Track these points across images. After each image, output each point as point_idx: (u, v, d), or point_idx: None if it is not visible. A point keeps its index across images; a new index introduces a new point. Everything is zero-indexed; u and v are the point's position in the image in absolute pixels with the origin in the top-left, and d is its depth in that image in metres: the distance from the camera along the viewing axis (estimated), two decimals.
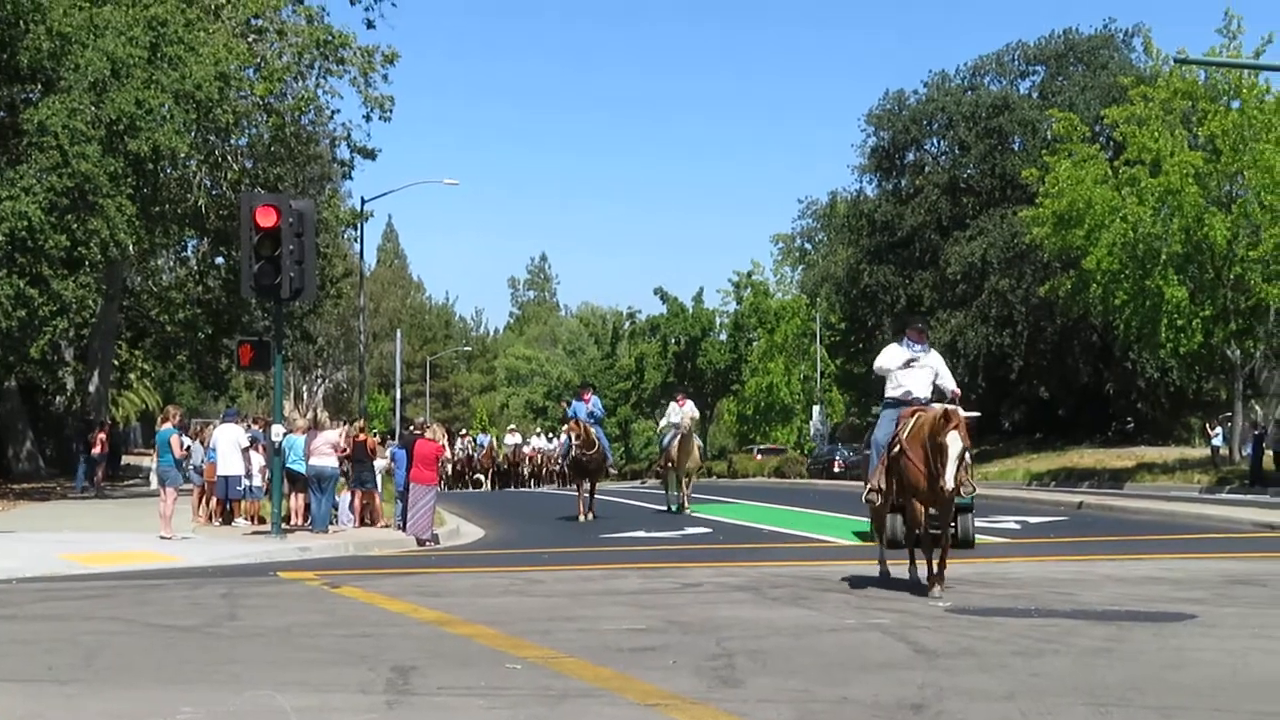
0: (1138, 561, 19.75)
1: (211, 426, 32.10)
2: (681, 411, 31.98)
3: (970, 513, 21.93)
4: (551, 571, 18.71)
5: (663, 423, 33.87)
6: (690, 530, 26.26)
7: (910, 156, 69.89)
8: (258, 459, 26.39)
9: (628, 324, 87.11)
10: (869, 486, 16.20)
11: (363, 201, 51.40)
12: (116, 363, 52.23)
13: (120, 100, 33.37)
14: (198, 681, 10.28)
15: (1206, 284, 44.58)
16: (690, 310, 78.57)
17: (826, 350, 75.34)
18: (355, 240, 58.30)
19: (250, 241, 22.56)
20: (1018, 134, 64.04)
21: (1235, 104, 44.39)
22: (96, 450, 38.82)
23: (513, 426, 68.72)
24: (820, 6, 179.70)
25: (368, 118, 46.65)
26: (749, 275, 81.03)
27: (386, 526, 26.18)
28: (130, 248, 37.02)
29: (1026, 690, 9.94)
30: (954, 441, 14.62)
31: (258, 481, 26.41)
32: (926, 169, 68.55)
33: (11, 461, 46.16)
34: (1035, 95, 65.85)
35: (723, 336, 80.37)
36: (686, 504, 31.95)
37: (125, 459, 52.85)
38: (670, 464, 32.07)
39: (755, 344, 78.87)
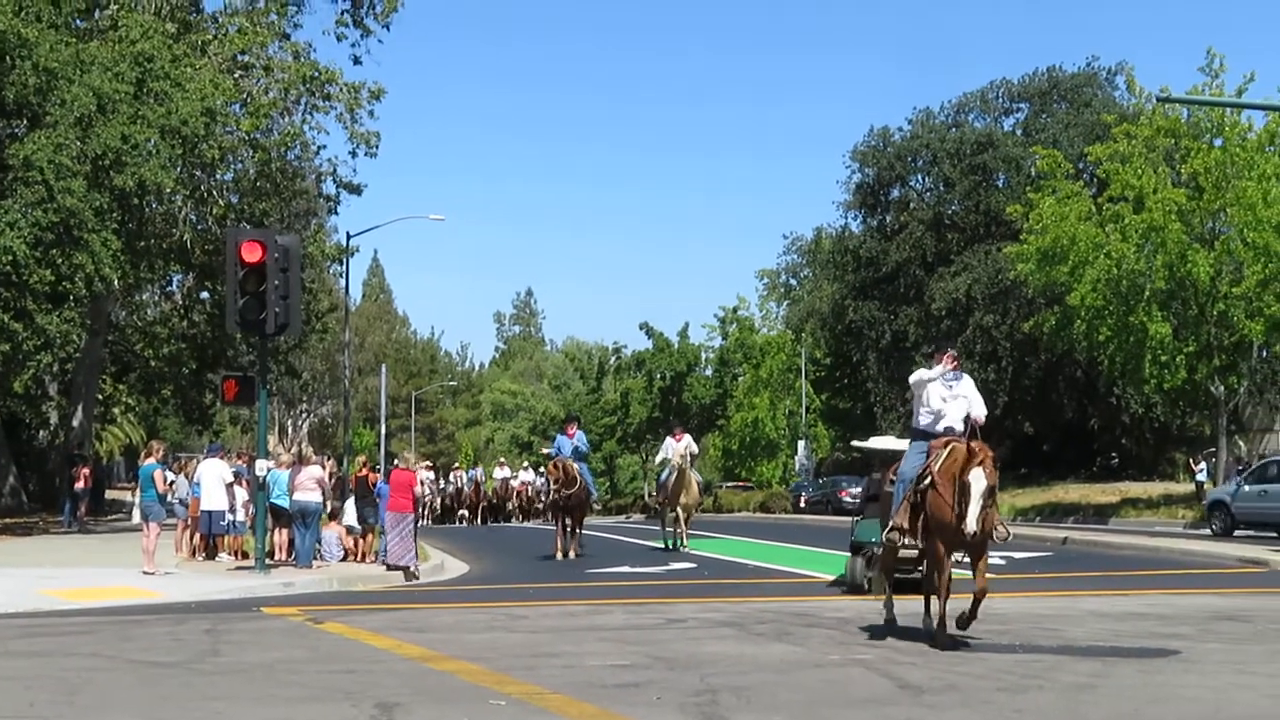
0: (1122, 597, 19.78)
1: (195, 461, 32.04)
2: (677, 447, 30.97)
3: None
4: (536, 607, 18.68)
5: (659, 457, 33.05)
6: (675, 565, 26.23)
7: (895, 193, 70.11)
8: (241, 494, 26.31)
9: (613, 359, 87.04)
10: (890, 525, 14.79)
11: (348, 237, 51.42)
12: (100, 397, 52.10)
13: (106, 135, 33.39)
14: (180, 718, 10.25)
15: (1190, 320, 44.70)
16: (676, 345, 78.53)
17: (811, 385, 75.39)
18: (341, 275, 58.35)
19: (235, 276, 22.55)
20: (1002, 171, 64.28)
21: (1218, 142, 44.58)
22: (80, 485, 38.67)
23: (501, 460, 68.59)
24: (806, 43, 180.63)
25: (354, 153, 46.78)
26: (734, 310, 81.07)
27: (373, 562, 26.14)
28: (115, 282, 36.97)
29: None
30: (977, 479, 13.44)
31: (241, 516, 26.33)
32: (911, 205, 68.75)
33: None
34: (1019, 132, 66.12)
35: (708, 372, 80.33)
36: (684, 541, 31.07)
37: (109, 494, 52.66)
38: (666, 500, 31.18)
39: (740, 379, 78.85)
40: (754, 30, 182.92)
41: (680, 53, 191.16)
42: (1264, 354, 48.61)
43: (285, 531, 25.54)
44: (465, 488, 57.90)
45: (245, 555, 25.60)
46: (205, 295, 47.67)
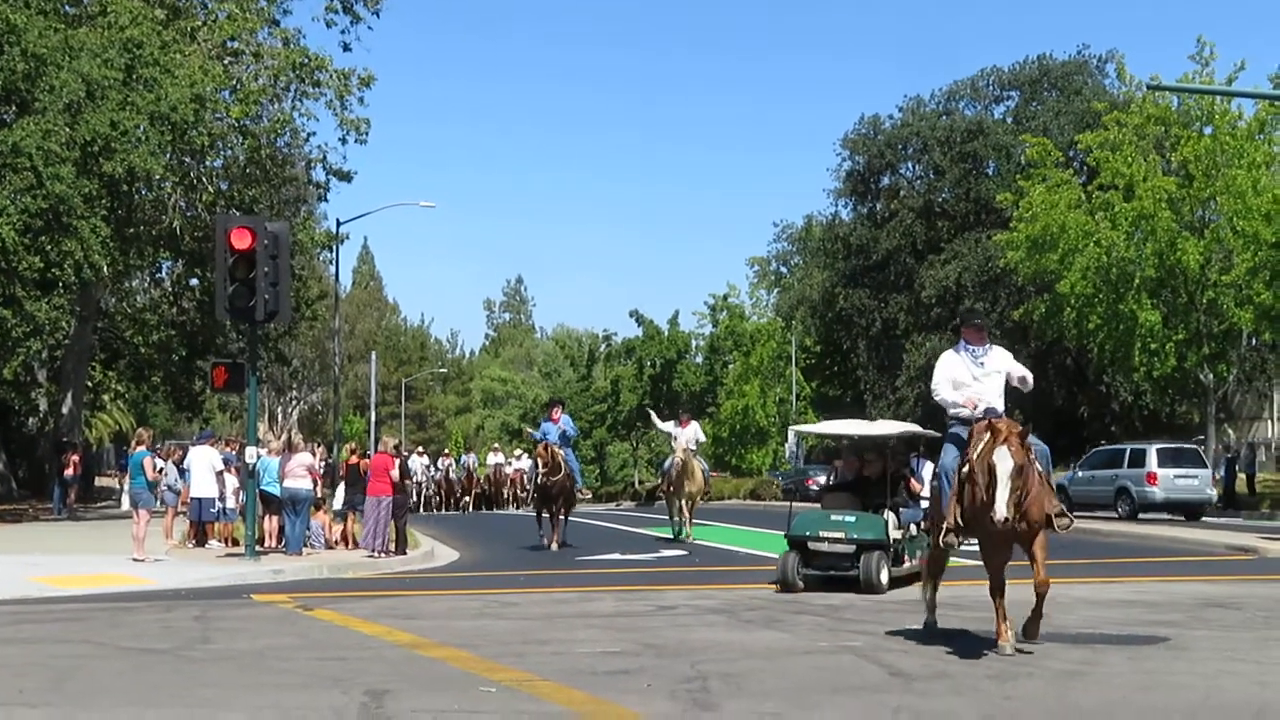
0: (1111, 584, 19.84)
1: (182, 449, 32.05)
2: (683, 434, 30.06)
3: (881, 551, 18.75)
4: (526, 594, 18.69)
5: (665, 429, 32.01)
6: (665, 553, 26.26)
7: (885, 180, 70.17)
8: (231, 481, 26.31)
9: (603, 346, 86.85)
10: (944, 527, 13.20)
11: (338, 224, 51.32)
12: (90, 384, 51.99)
13: (95, 122, 33.31)
14: (170, 705, 10.24)
15: (1180, 308, 44.81)
16: (666, 333, 78.42)
17: (802, 373, 75.35)
18: (330, 262, 58.33)
19: (225, 263, 22.53)
20: (992, 159, 64.36)
21: (1208, 130, 44.68)
22: (69, 472, 38.63)
23: (496, 446, 68.45)
24: (796, 31, 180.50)
25: (344, 140, 46.67)
26: (724, 298, 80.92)
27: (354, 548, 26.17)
28: (104, 269, 36.90)
29: (1000, 713, 9.96)
30: (1002, 459, 12.16)
31: (231, 504, 26.33)
32: (901, 193, 68.81)
33: None
34: (1009, 120, 66.21)
35: (698, 359, 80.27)
36: (688, 530, 30.08)
37: (99, 480, 52.58)
38: (671, 489, 30.23)
39: (731, 367, 78.80)
40: (745, 21, 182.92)
41: (671, 42, 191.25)
42: (1253, 342, 48.78)
43: (275, 518, 25.54)
44: (458, 476, 57.52)
45: (235, 542, 25.61)
46: (195, 282, 47.56)
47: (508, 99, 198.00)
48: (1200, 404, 49.82)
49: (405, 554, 25.25)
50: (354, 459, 27.31)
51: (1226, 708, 10.33)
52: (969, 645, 13.09)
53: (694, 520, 30.64)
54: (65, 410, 45.57)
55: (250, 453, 23.88)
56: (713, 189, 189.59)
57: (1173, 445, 41.43)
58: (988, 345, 13.68)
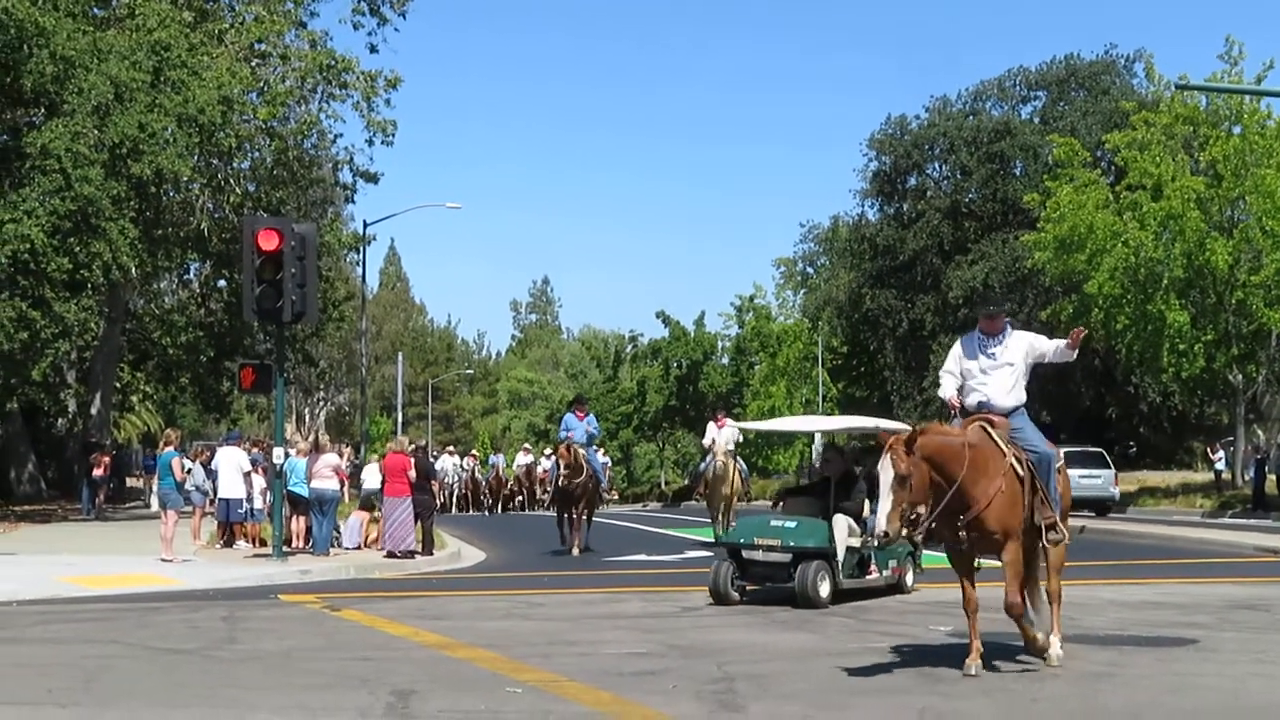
0: (1139, 586, 19.75)
1: (209, 450, 32.19)
2: (721, 435, 28.31)
3: (821, 561, 16.96)
4: (552, 595, 18.70)
5: (705, 441, 30.11)
6: (691, 554, 26.21)
7: (912, 181, 70.03)
8: (259, 481, 26.38)
9: (630, 347, 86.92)
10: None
11: (365, 225, 51.54)
12: (118, 385, 52.22)
13: (123, 124, 33.45)
14: (197, 705, 10.28)
15: (1208, 309, 44.60)
16: (692, 334, 78.41)
17: (828, 374, 75.22)
18: (357, 263, 58.60)
19: (252, 265, 22.57)
20: (1019, 159, 64.17)
21: (1236, 129, 44.44)
22: (98, 473, 38.79)
23: (526, 446, 68.39)
24: (823, 30, 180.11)
25: (370, 142, 46.74)
26: (751, 299, 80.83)
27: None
28: (132, 270, 37.04)
29: (1027, 715, 9.94)
30: (884, 469, 11.24)
31: (259, 504, 26.41)
32: (928, 193, 68.68)
33: (13, 484, 46.10)
34: (1037, 120, 66.01)
35: (725, 360, 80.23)
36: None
37: (130, 481, 52.78)
38: (706, 491, 28.49)
39: (757, 368, 78.71)
40: (772, 19, 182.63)
41: (696, 42, 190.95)
42: None
43: (303, 519, 25.60)
44: (485, 477, 57.18)
45: (262, 543, 25.67)
46: (222, 283, 47.74)
47: (534, 99, 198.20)
48: (1229, 405, 49.56)
49: (432, 554, 25.26)
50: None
51: (1256, 709, 10.29)
52: (996, 647, 13.05)
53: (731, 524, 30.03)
54: (94, 411, 45.78)
55: (277, 453, 23.93)
56: (739, 190, 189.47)
57: (1079, 449, 43.78)
58: (1005, 334, 12.62)
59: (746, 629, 14.77)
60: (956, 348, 12.91)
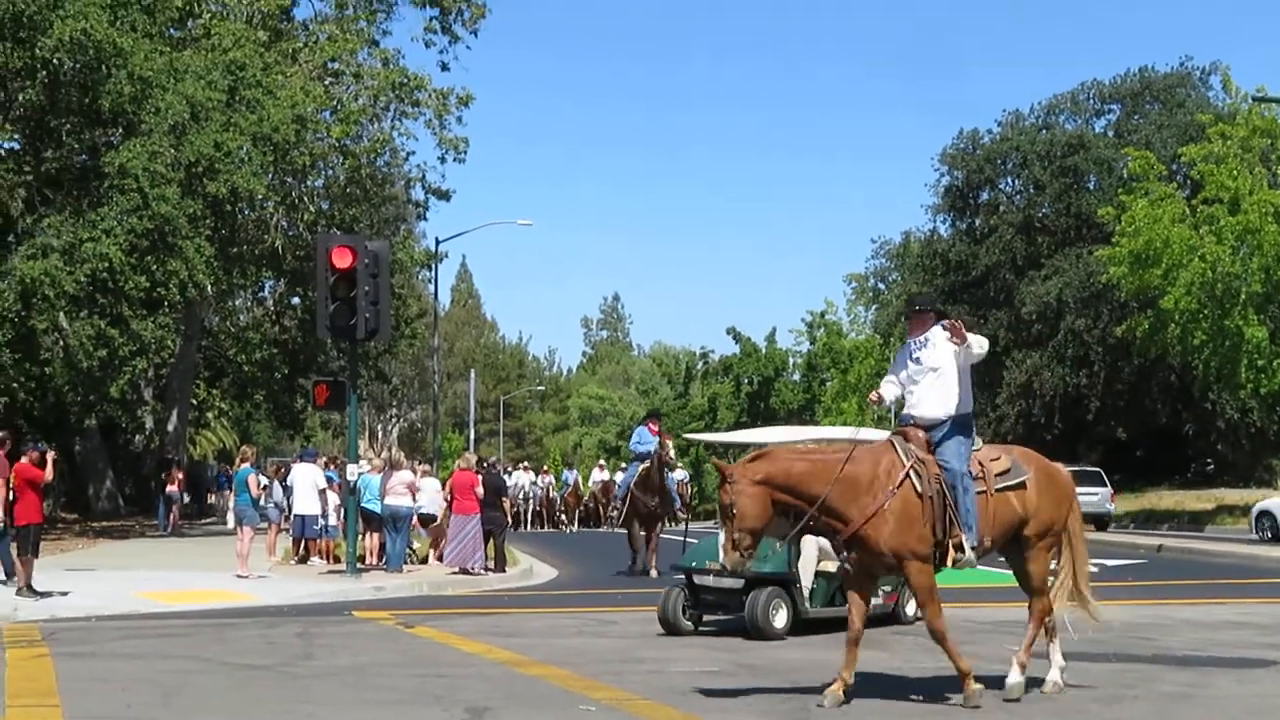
0: (1218, 606, 19.50)
1: (283, 466, 32.47)
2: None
3: (777, 588, 15.71)
4: (624, 613, 18.68)
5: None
6: None
7: (984, 195, 69.52)
8: (333, 498, 26.56)
9: (700, 364, 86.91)
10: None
11: (437, 242, 51.79)
12: (194, 402, 52.80)
13: (199, 143, 33.83)
14: None
15: None
16: (763, 350, 78.34)
17: None
18: (429, 280, 58.90)
19: (326, 282, 22.73)
20: (1093, 173, 63.56)
21: None
22: (171, 489, 39.19)
23: (601, 463, 68.37)
24: (895, 45, 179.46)
25: (442, 159, 47.24)
26: (822, 315, 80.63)
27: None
28: (208, 288, 37.47)
29: None
30: (720, 500, 11.02)
31: (333, 521, 26.58)
32: (1001, 208, 68.16)
33: (91, 500, 46.68)
34: (1111, 134, 65.37)
35: (796, 376, 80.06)
36: None
37: (211, 498, 53.25)
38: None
39: (829, 384, 78.49)
40: (842, 34, 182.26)
41: (769, 59, 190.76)
42: None
43: (376, 536, 25.74)
44: (560, 494, 56.82)
45: (336, 559, 25.83)
46: (296, 301, 48.18)
47: (604, 116, 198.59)
48: None
49: (504, 571, 25.33)
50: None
51: None
52: (1074, 667, 12.92)
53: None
54: (170, 428, 46.31)
55: (351, 470, 24.07)
56: (810, 205, 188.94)
57: (1075, 468, 42.95)
58: (928, 334, 11.62)
59: (817, 647, 14.69)
60: (898, 356, 12.19)
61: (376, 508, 25.02)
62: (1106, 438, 63.94)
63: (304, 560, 26.47)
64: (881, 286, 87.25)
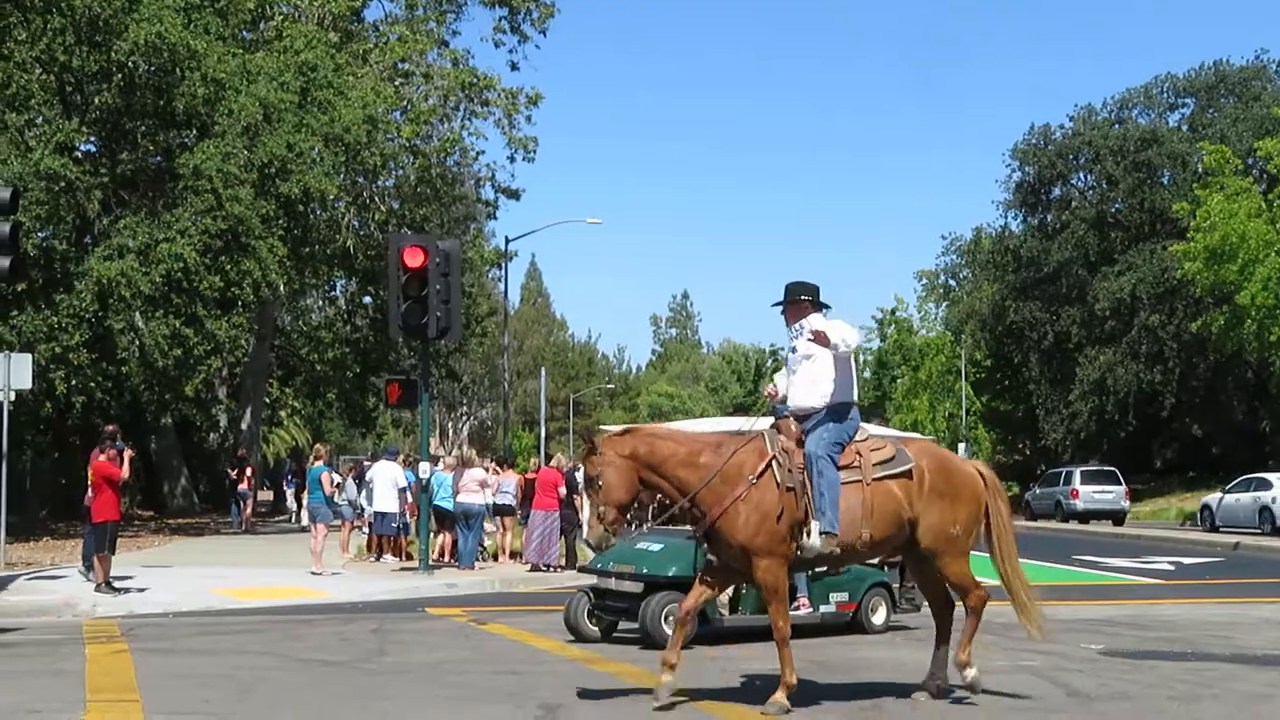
0: None
1: (356, 464, 32.68)
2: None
3: (675, 593, 13.90)
4: None
5: None
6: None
7: (1056, 191, 69.02)
8: (408, 496, 26.71)
9: (770, 361, 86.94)
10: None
11: (507, 241, 51.98)
12: (267, 400, 53.22)
13: (272, 144, 34.08)
14: (350, 717, 10.40)
15: None
16: None
17: (971, 387, 74.55)
18: (499, 279, 59.03)
19: (398, 281, 22.85)
20: (1167, 167, 62.94)
21: None
22: (243, 486, 39.53)
23: None
24: (964, 42, 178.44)
25: (512, 158, 47.43)
26: (893, 312, 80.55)
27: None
28: (281, 288, 37.76)
29: None
30: (589, 469, 10.89)
31: (409, 518, 26.73)
32: (1073, 203, 67.63)
33: (167, 497, 47.19)
34: (1185, 128, 64.70)
35: (866, 374, 79.86)
36: None
37: (267, 495, 53.68)
38: None
39: (899, 381, 78.26)
40: (912, 29, 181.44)
41: (838, 57, 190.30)
42: None
43: (448, 533, 25.86)
44: None
45: (409, 556, 25.96)
46: (368, 300, 48.49)
47: (672, 115, 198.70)
48: None
49: (575, 569, 25.37)
50: (533, 475, 27.44)
51: None
52: (1150, 666, 12.80)
53: None
54: (244, 426, 46.70)
55: (423, 468, 24.19)
56: (880, 202, 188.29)
57: (1093, 468, 52.22)
58: (804, 322, 11.18)
59: (891, 646, 14.64)
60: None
61: (449, 505, 25.12)
62: (1182, 434, 63.33)
63: (378, 557, 26.63)
64: (952, 283, 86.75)
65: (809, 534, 10.47)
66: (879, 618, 15.58)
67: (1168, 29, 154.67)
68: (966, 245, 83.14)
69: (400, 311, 22.92)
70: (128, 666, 13.06)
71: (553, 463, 26.78)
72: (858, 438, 10.98)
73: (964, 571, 11.09)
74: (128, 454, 20.91)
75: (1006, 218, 72.16)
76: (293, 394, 57.38)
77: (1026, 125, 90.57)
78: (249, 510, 39.79)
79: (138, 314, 33.88)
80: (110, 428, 21.96)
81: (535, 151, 47.15)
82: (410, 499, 26.13)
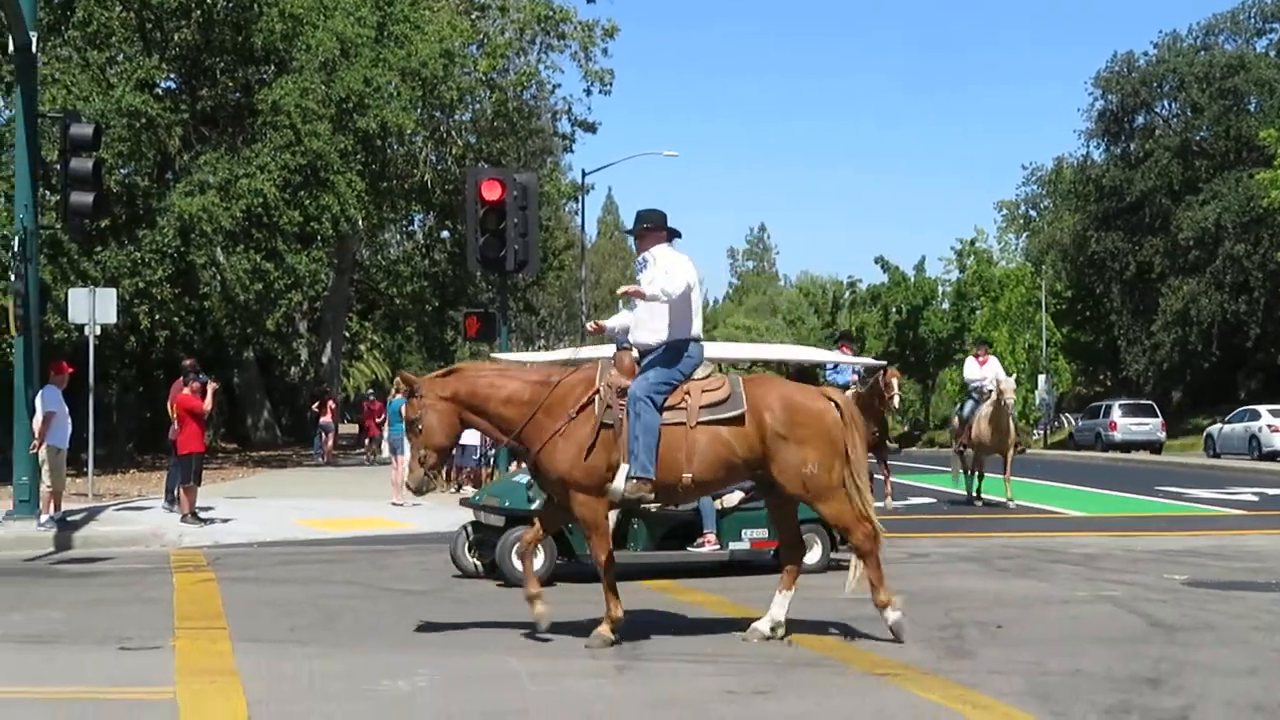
0: None
1: None
2: (989, 373, 24.64)
3: (520, 529, 13.32)
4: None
5: (967, 376, 25.93)
6: (914, 500, 25.96)
7: (1140, 120, 67.98)
8: None
9: (848, 293, 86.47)
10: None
11: (583, 174, 52.07)
12: (347, 334, 53.71)
13: (349, 79, 34.20)
14: (432, 645, 10.52)
15: None
16: (911, 279, 77.72)
17: (1052, 319, 73.84)
18: (576, 213, 59.14)
19: (476, 215, 22.84)
20: (1254, 94, 61.79)
21: None
22: (325, 419, 39.92)
23: None
24: None
25: (588, 91, 47.31)
26: (972, 243, 79.72)
27: None
28: (360, 222, 38.00)
29: (1271, 666, 9.64)
30: (409, 412, 10.88)
31: (488, 449, 26.86)
32: (1157, 132, 66.61)
33: (250, 430, 47.79)
34: (1273, 54, 63.46)
35: (945, 305, 79.29)
36: (1009, 492, 24.01)
37: (348, 428, 54.21)
38: (972, 440, 24.37)
39: (979, 313, 77.64)
40: None
41: None
42: None
43: (520, 463, 25.95)
44: None
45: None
46: (446, 234, 48.72)
47: (749, 46, 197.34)
48: None
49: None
50: None
51: None
52: (1236, 596, 12.70)
53: (940, 468, 28.90)
54: (324, 360, 47.16)
55: None
56: (959, 132, 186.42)
57: (1130, 401, 56.24)
58: (650, 253, 11.14)
59: (974, 576, 14.61)
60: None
61: None
62: (1267, 364, 62.44)
63: (457, 489, 26.81)
64: (1033, 214, 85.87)
65: (617, 477, 10.34)
66: (812, 556, 14.41)
67: None
68: (1047, 175, 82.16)
69: (478, 245, 22.92)
70: (214, 595, 13.27)
71: None
72: (697, 376, 10.69)
73: (838, 511, 10.70)
74: (211, 387, 21.15)
75: (1089, 147, 71.25)
76: (372, 328, 57.87)
77: (1109, 53, 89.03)
78: (330, 443, 40.22)
79: (219, 249, 34.22)
80: (189, 361, 22.20)
81: (611, 84, 47.14)
82: None
